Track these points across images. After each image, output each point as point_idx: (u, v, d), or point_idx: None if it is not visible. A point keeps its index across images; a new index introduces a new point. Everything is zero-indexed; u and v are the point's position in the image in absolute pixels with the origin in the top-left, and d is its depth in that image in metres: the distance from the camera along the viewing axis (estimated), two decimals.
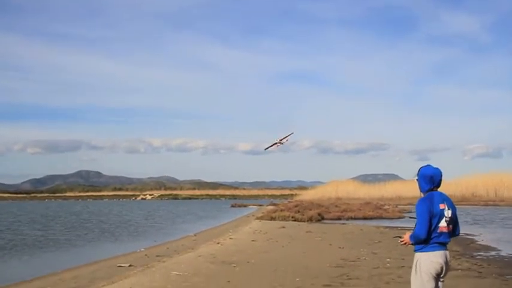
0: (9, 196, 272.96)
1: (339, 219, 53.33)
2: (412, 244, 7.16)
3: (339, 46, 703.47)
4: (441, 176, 7.13)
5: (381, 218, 55.08)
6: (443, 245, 6.99)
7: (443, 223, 6.89)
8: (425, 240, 6.93)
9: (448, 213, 6.94)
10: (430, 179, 7.05)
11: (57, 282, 16.79)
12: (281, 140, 35.09)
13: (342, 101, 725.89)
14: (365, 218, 54.06)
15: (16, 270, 22.17)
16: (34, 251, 28.87)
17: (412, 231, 7.09)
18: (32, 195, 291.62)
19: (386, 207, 71.23)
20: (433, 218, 6.86)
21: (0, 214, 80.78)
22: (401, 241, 7.36)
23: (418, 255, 7.09)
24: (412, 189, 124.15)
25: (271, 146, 34.68)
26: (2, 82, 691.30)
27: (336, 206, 68.62)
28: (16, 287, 16.39)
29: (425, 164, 7.22)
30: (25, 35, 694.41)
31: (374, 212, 60.39)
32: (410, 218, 9.69)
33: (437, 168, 7.14)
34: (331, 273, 15.64)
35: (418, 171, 7.16)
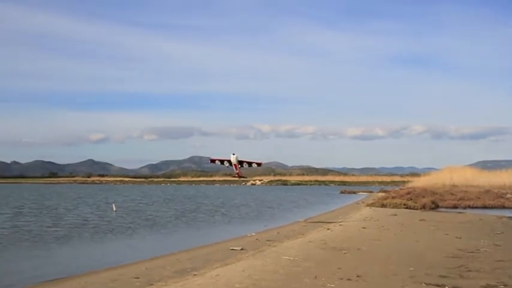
0: (129, 180, 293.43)
1: (455, 207, 50.81)
2: None
3: (453, 26, 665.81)
4: None
5: (502, 207, 51.56)
6: None
7: None
8: None
9: None
10: None
11: (174, 262, 17.65)
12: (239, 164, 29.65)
13: (457, 83, 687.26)
14: (485, 207, 50.95)
15: (142, 247, 23.67)
16: (151, 232, 30.67)
17: None
18: (150, 179, 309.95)
19: (509, 195, 66.60)
20: None
21: (126, 196, 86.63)
22: None
23: None
24: None
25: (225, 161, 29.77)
26: (120, 72, 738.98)
27: (452, 194, 65.37)
28: (139, 265, 17.44)
29: None
30: (143, 28, 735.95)
31: (495, 200, 56.68)
32: None
33: None
34: (448, 264, 14.91)
35: None
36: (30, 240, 25.59)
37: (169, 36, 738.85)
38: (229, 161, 28.67)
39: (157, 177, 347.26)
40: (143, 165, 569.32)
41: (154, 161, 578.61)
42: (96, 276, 15.70)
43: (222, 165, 29.52)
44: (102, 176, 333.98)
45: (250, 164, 29.27)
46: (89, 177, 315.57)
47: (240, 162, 28.68)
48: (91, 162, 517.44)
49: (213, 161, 30.03)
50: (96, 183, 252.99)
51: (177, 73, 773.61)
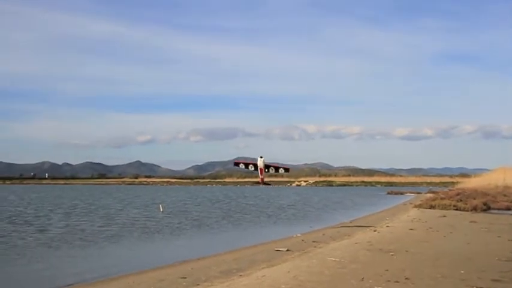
0: (176, 181, 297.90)
1: (508, 209, 49.08)
2: None
3: (505, 22, 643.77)
4: None
5: None
6: None
7: None
8: None
9: None
10: None
11: (220, 262, 17.79)
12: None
13: (508, 81, 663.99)
14: None
15: (189, 247, 24.01)
16: (198, 232, 31.04)
17: None
18: (195, 180, 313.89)
19: None
20: None
21: (172, 196, 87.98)
22: None
23: None
24: None
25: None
26: (166, 74, 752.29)
27: (505, 195, 63.23)
28: (185, 265, 17.67)
29: None
30: (187, 31, 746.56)
31: None
32: None
33: None
34: (501, 268, 14.42)
35: None
36: (81, 240, 26.37)
37: (214, 38, 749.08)
38: (255, 165, 27.47)
39: (203, 178, 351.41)
40: (189, 166, 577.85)
41: (200, 162, 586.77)
42: (143, 275, 16.00)
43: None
44: (149, 177, 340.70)
45: (277, 168, 28.01)
46: (136, 178, 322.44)
47: (267, 167, 27.30)
48: (138, 164, 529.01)
49: (236, 164, 28.60)
50: (143, 184, 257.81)
51: (222, 74, 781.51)
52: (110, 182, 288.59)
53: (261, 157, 26.84)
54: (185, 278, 14.48)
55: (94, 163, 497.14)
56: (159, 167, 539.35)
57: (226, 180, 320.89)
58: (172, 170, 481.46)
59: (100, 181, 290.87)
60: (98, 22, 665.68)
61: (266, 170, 26.89)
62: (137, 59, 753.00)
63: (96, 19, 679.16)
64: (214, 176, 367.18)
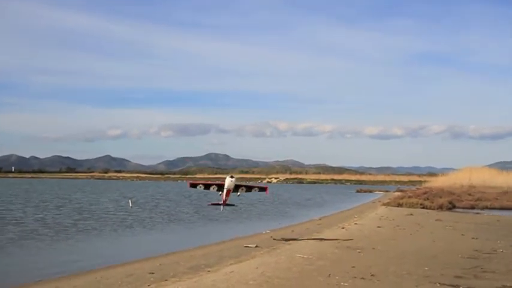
0: (146, 176, 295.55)
1: (472, 208, 50.33)
2: None
3: (475, 24, 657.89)
4: None
5: None
6: None
7: None
8: None
9: None
10: None
11: (189, 258, 17.78)
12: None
13: (477, 82, 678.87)
14: (502, 208, 50.39)
15: (158, 243, 23.88)
16: (167, 228, 30.92)
17: None
18: (166, 176, 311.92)
19: None
20: None
21: (142, 192, 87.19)
22: None
23: None
24: None
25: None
26: (140, 69, 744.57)
27: (469, 195, 64.77)
28: (154, 260, 17.58)
29: None
30: (162, 26, 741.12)
31: None
32: None
33: None
34: (463, 265, 14.80)
35: None
36: (50, 235, 25.96)
37: (190, 34, 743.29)
38: (219, 186, 21.52)
39: (174, 173, 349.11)
40: (160, 161, 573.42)
41: (171, 157, 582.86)
42: (112, 270, 15.89)
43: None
44: (119, 171, 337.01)
45: (250, 188, 22.80)
46: (106, 172, 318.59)
47: (237, 188, 21.72)
48: (108, 158, 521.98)
49: (193, 185, 22.25)
50: (113, 179, 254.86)
51: (195, 70, 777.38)
52: (79, 176, 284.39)
53: (232, 177, 21.14)
54: (153, 273, 14.43)
55: (63, 157, 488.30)
56: (129, 161, 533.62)
57: (197, 176, 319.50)
58: (143, 165, 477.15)
59: (69, 175, 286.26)
60: (70, 14, 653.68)
61: (234, 191, 21.49)
62: (110, 52, 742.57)
63: (68, 11, 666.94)
64: (185, 172, 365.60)
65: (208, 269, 14.62)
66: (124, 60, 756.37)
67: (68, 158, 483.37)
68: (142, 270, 15.07)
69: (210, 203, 22.08)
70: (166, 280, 13.17)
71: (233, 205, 23.26)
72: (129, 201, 50.21)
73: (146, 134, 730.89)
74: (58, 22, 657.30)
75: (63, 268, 16.96)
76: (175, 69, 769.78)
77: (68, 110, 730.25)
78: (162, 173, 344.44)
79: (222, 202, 21.80)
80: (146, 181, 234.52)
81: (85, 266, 17.23)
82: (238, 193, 21.86)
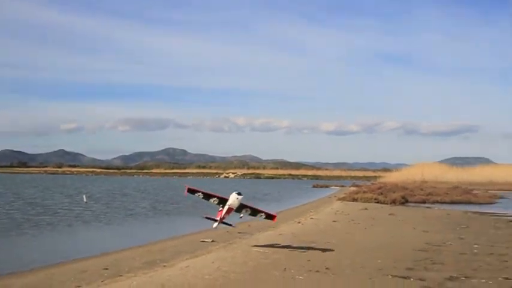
0: (101, 171, 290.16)
1: (424, 202, 51.83)
2: None
3: (432, 25, 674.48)
4: None
5: (469, 203, 52.83)
6: None
7: None
8: None
9: None
10: None
11: (144, 253, 17.61)
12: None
13: (430, 81, 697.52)
14: (452, 203, 52.12)
15: (113, 238, 23.51)
16: (122, 223, 30.48)
17: None
18: (122, 170, 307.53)
19: (475, 192, 68.16)
20: None
21: (98, 187, 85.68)
22: None
23: None
24: (506, 174, 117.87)
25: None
26: (97, 63, 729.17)
27: (421, 189, 66.64)
28: (108, 256, 17.33)
29: None
30: (122, 20, 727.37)
31: (462, 196, 58.08)
32: None
33: None
34: (415, 257, 15.24)
35: None
36: (2, 230, 25.16)
37: (148, 29, 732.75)
38: (221, 199, 18.58)
39: (130, 168, 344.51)
40: (116, 156, 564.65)
41: (127, 152, 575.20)
42: (65, 267, 15.56)
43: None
44: (74, 166, 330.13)
45: (255, 212, 19.07)
46: (60, 167, 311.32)
47: (241, 208, 18.77)
48: (62, 152, 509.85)
49: (191, 191, 19.39)
50: (67, 174, 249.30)
51: (154, 66, 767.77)
52: (32, 171, 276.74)
53: (239, 194, 18.32)
54: (107, 269, 14.24)
55: (14, 151, 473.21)
56: (84, 156, 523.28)
57: (154, 171, 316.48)
58: (98, 160, 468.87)
59: (21, 170, 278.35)
60: (25, 6, 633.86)
61: (237, 211, 18.54)
62: (68, 45, 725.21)
63: (22, 3, 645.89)
64: (142, 167, 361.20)
65: (164, 264, 14.53)
66: (82, 53, 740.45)
67: (20, 152, 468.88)
68: (97, 266, 14.84)
69: (205, 216, 18.57)
70: (120, 276, 13.01)
71: (230, 225, 19.36)
72: (84, 196, 49.24)
73: (102, 128, 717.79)
74: (12, 14, 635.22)
75: (13, 264, 16.46)
76: (135, 64, 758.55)
77: (20, 103, 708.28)
78: (118, 168, 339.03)
79: (218, 218, 18.16)
80: (102, 176, 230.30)
81: (37, 263, 16.78)
82: (241, 215, 18.77)
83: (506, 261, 14.87)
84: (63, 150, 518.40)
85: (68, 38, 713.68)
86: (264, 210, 19.25)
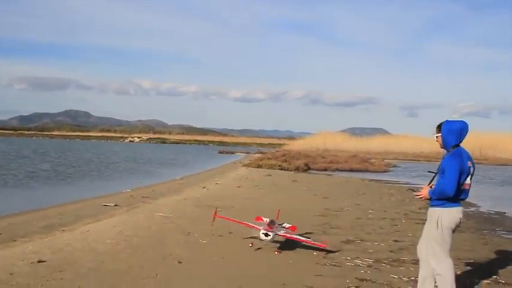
0: None
1: (325, 170, 53.90)
2: (429, 199, 6.92)
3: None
4: (468, 129, 6.77)
5: (366, 170, 55.80)
6: (461, 201, 6.90)
7: (468, 180, 6.74)
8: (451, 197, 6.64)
9: (471, 170, 6.77)
10: (459, 133, 6.70)
11: (42, 217, 16.91)
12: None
13: (336, 53, 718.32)
14: (351, 170, 54.73)
15: (7, 202, 22.25)
16: (19, 186, 28.99)
17: (432, 186, 6.91)
18: (19, 132, 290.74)
19: (372, 160, 71.96)
20: (462, 175, 6.63)
21: None
22: (418, 195, 7.07)
23: (438, 210, 6.79)
24: (399, 144, 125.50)
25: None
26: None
27: (323, 157, 69.17)
28: (2, 220, 16.44)
29: (447, 119, 6.79)
30: None
31: (360, 164, 61.12)
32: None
33: (464, 122, 6.80)
34: (314, 222, 15.88)
35: (441, 126, 6.82)
36: None
37: None
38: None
39: (28, 129, 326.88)
40: (12, 116, 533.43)
41: (25, 112, 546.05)
42: None
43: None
44: None
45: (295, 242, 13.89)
46: None
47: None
48: None
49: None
50: None
51: (56, 22, 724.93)
52: None
53: (267, 235, 11.56)
54: (0, 233, 13.53)
55: None
56: None
57: (55, 133, 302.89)
58: None
59: None
60: None
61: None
62: None
63: None
64: (41, 129, 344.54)
65: (63, 229, 14.07)
66: None
67: None
68: None
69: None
70: (14, 241, 12.41)
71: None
72: None
73: None
74: None
75: None
76: (31, 17, 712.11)
77: None
78: (14, 129, 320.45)
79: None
80: None
81: None
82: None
83: (397, 225, 15.96)
84: None
85: None
86: (308, 241, 12.02)
